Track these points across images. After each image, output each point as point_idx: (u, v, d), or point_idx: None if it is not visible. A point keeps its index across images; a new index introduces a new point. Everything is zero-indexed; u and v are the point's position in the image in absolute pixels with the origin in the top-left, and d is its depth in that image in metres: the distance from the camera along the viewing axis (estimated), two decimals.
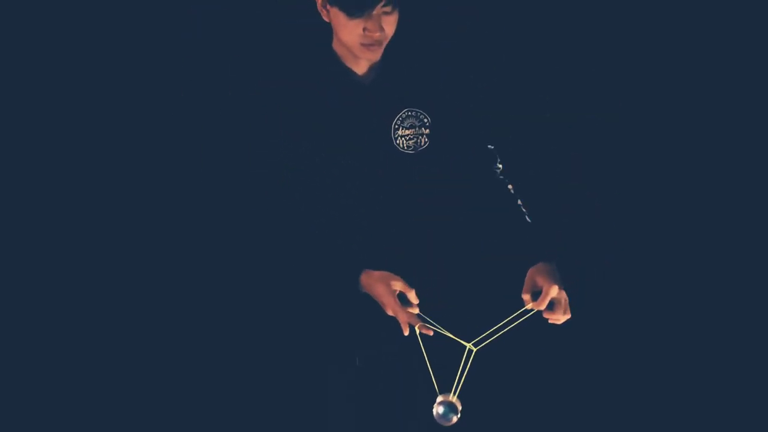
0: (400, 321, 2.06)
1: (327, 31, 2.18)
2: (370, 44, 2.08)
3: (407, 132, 2.20)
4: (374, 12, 2.04)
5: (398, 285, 2.09)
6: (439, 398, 2.05)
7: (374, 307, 2.13)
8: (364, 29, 2.05)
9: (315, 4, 2.13)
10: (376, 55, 2.12)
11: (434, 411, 2.05)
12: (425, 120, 2.21)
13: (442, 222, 2.25)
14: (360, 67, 2.19)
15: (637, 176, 2.89)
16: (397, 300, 2.08)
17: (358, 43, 2.08)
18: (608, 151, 2.88)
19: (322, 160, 2.19)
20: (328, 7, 2.09)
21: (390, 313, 2.09)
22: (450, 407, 2.03)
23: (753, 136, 2.83)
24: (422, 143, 2.21)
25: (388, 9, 2.05)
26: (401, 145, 2.20)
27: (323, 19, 2.14)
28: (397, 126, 2.20)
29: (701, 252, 2.87)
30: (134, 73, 2.88)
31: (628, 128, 2.87)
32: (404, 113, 2.20)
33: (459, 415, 2.04)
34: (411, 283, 2.11)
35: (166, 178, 2.92)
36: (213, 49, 2.86)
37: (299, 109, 2.19)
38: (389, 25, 2.08)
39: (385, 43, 2.11)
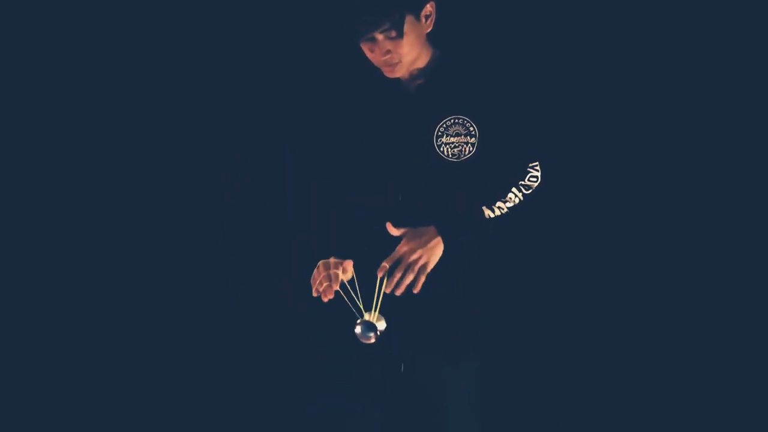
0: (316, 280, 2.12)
1: None
2: (382, 65, 2.15)
3: (452, 140, 2.19)
4: (377, 36, 2.10)
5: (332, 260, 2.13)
6: (359, 320, 2.12)
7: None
8: (371, 50, 2.13)
9: None
10: (395, 73, 2.17)
11: (355, 330, 2.12)
12: (472, 129, 2.19)
13: (477, 232, 2.22)
14: (405, 76, 2.22)
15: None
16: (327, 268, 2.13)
17: (374, 61, 2.16)
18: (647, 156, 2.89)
19: (363, 163, 2.22)
20: None
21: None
22: (367, 326, 2.10)
23: (752, 137, 2.85)
24: (467, 152, 2.19)
25: (392, 34, 2.09)
26: (446, 153, 2.19)
27: None
28: (441, 133, 2.19)
29: (700, 252, 2.89)
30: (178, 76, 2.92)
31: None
32: (450, 120, 2.20)
33: (377, 333, 2.10)
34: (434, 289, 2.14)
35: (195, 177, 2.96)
36: (258, 52, 2.89)
37: (344, 112, 2.25)
38: (398, 48, 2.12)
39: (401, 63, 2.15)
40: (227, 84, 2.91)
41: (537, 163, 2.21)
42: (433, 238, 2.12)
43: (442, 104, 2.20)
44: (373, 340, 2.11)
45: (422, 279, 2.08)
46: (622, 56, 2.81)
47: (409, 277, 2.06)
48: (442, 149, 2.19)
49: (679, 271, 2.85)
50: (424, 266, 2.08)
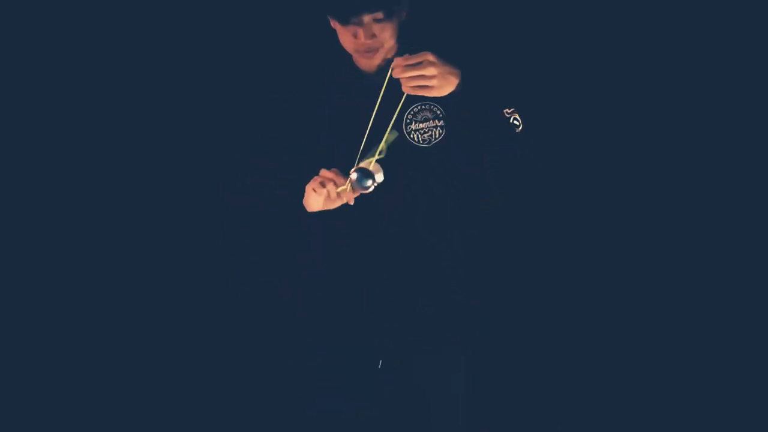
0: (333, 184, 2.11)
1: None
2: (364, 51, 2.14)
3: (421, 126, 2.22)
4: (364, 20, 2.09)
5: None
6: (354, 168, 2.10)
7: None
8: (356, 36, 2.11)
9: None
10: (373, 61, 2.18)
11: (350, 177, 2.10)
12: (438, 112, 2.22)
13: (458, 214, 2.25)
14: (370, 68, 2.22)
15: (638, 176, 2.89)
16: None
17: (354, 49, 2.15)
18: (611, 149, 2.88)
19: (335, 158, 2.20)
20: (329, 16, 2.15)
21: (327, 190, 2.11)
22: (364, 173, 2.08)
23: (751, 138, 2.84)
24: (437, 136, 2.22)
25: (379, 16, 2.10)
26: (415, 139, 2.22)
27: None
28: (409, 120, 2.22)
29: (699, 252, 2.88)
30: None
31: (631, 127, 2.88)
32: (416, 107, 2.22)
33: (374, 180, 2.08)
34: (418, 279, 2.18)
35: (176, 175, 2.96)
36: (227, 49, 2.90)
37: (312, 109, 2.25)
38: (383, 32, 2.12)
39: (382, 49, 2.15)
40: (212, 87, 2.92)
41: (512, 108, 2.20)
42: (455, 74, 2.08)
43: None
44: (370, 190, 2.09)
45: (421, 85, 2.03)
46: (589, 41, 2.83)
47: (416, 73, 2.02)
48: (412, 136, 2.22)
49: (663, 257, 2.86)
50: (432, 78, 2.03)
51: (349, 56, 2.23)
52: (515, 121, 2.19)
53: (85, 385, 2.98)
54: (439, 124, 2.22)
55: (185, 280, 2.98)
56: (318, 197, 2.12)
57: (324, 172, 2.12)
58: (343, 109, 2.24)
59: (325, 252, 2.26)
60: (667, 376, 2.90)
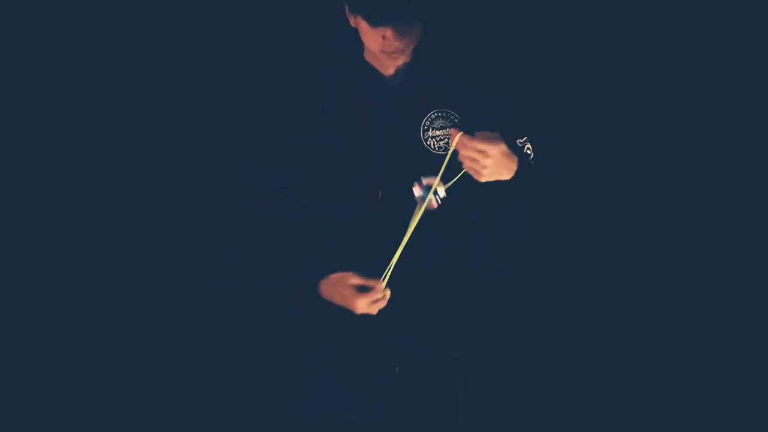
0: (371, 306, 2.13)
1: (357, 35, 2.21)
2: (391, 52, 2.14)
3: (438, 133, 2.22)
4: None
5: (354, 280, 2.15)
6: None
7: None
8: (384, 37, 2.10)
9: (344, 9, 2.17)
10: (398, 62, 2.19)
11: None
12: (455, 120, 2.23)
13: (474, 222, 2.26)
14: (388, 70, 2.23)
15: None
16: (356, 293, 2.13)
17: (379, 50, 2.14)
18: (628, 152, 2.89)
19: (351, 163, 2.22)
20: (354, 14, 2.14)
21: (357, 308, 2.14)
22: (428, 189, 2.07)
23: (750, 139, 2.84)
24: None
25: (409, 20, 2.09)
26: (432, 146, 2.22)
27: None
28: (426, 127, 2.22)
29: (698, 252, 2.88)
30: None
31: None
32: (434, 114, 2.22)
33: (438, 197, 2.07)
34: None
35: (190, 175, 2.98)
36: (229, 48, 2.91)
37: (329, 112, 2.24)
38: (410, 35, 2.12)
39: (407, 51, 2.17)
40: (213, 86, 2.92)
41: (525, 138, 2.21)
42: (511, 158, 2.07)
43: (425, 98, 2.22)
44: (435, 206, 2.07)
45: (479, 170, 2.02)
46: (602, 44, 2.83)
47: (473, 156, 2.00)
48: (429, 143, 2.22)
49: (661, 260, 2.87)
50: (484, 168, 2.02)
51: (359, 54, 2.24)
52: (527, 151, 2.21)
53: (85, 385, 2.99)
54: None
55: (185, 280, 2.99)
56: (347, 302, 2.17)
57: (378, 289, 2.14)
58: (353, 108, 2.23)
59: (325, 253, 2.26)
60: (666, 376, 2.90)
